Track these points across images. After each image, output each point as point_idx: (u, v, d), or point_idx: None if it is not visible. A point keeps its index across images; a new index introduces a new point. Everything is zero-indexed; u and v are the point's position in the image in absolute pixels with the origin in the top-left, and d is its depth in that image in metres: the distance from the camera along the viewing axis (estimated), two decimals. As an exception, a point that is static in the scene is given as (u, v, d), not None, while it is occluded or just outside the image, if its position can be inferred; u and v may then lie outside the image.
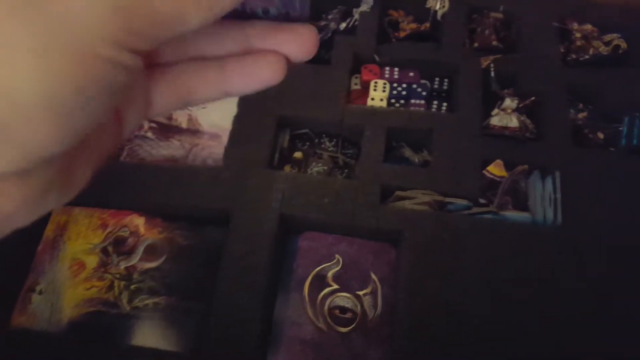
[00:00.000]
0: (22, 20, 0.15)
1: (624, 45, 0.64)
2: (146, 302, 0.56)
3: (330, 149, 0.64)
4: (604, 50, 0.65)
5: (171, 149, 0.65)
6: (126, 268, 0.58)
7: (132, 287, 0.57)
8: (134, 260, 0.58)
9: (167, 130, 0.66)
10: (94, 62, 0.16)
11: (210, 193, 0.57)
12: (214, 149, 0.63)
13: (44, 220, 0.60)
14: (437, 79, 0.67)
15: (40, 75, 0.15)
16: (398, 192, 0.57)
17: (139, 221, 0.61)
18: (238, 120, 0.62)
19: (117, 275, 0.58)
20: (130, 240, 0.60)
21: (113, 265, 0.58)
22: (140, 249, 0.59)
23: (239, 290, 0.52)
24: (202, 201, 0.57)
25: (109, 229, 0.60)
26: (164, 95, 0.22)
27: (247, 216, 0.56)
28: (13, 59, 0.15)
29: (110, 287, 0.57)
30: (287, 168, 0.62)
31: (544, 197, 0.55)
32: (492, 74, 0.63)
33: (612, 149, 0.61)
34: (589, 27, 0.66)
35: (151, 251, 0.59)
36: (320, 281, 0.55)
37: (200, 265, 0.57)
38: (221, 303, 0.52)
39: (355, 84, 0.68)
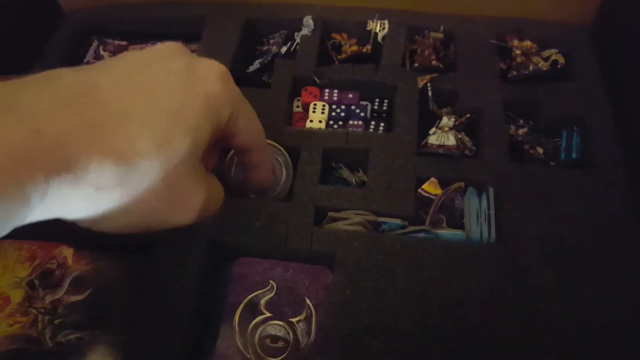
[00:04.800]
0: None
1: (561, 60, 0.64)
2: (69, 337, 0.53)
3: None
4: (543, 65, 0.64)
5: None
6: (52, 302, 0.55)
7: (56, 321, 0.54)
8: (60, 293, 0.55)
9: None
10: None
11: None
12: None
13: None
14: (377, 100, 0.66)
15: None
16: (331, 214, 0.54)
17: (67, 252, 0.58)
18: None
19: (42, 310, 0.55)
20: (58, 273, 0.57)
21: (39, 299, 0.55)
22: (67, 282, 0.56)
23: (161, 321, 0.49)
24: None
25: (37, 262, 0.58)
26: None
27: (174, 244, 0.53)
28: None
29: (34, 322, 0.54)
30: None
31: (479, 214, 0.53)
32: (430, 93, 0.62)
33: (552, 163, 0.59)
34: (528, 43, 0.66)
35: (78, 283, 0.56)
36: (252, 309, 0.53)
37: (126, 296, 0.54)
38: (143, 335, 0.49)
39: (298, 107, 0.67)
